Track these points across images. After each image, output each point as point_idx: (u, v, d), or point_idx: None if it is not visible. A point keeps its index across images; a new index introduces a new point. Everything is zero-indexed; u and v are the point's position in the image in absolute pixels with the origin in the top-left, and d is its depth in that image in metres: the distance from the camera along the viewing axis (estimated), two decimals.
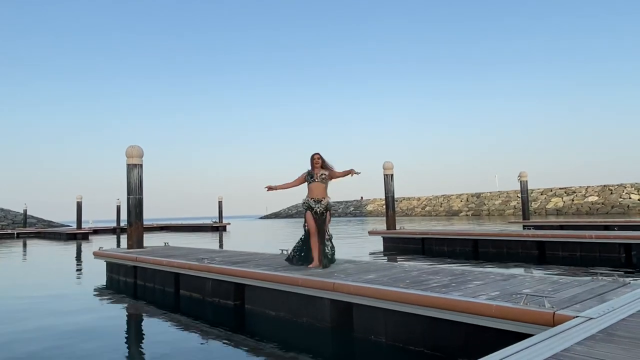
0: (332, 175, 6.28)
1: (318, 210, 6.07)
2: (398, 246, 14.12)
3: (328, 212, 6.17)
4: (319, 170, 6.21)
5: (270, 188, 6.40)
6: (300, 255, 6.16)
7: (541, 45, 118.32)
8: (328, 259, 6.04)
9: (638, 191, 44.57)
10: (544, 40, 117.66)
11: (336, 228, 30.25)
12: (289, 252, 6.42)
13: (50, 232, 31.72)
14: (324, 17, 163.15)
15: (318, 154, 6.25)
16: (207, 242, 21.08)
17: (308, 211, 6.09)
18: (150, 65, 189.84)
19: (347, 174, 6.25)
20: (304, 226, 6.22)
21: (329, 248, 6.10)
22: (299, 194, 6.41)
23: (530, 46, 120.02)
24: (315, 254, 5.97)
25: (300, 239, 6.28)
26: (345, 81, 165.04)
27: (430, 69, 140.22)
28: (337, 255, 6.49)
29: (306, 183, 6.25)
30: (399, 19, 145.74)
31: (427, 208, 63.73)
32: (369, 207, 71.83)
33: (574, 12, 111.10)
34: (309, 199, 6.13)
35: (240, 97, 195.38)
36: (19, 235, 31.55)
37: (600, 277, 4.47)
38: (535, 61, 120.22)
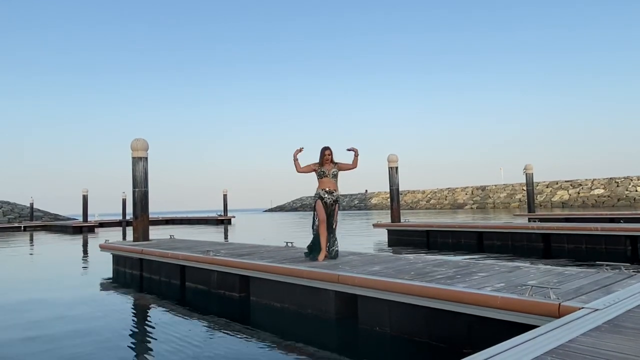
0: (341, 167, 6.28)
1: (328, 201, 6.11)
2: (403, 239, 14.12)
3: (337, 204, 6.20)
4: (331, 167, 6.20)
5: (298, 152, 6.22)
6: (312, 248, 6.18)
7: (547, 38, 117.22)
8: (335, 251, 6.10)
9: None
10: (551, 33, 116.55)
11: (341, 221, 30.22)
12: (306, 248, 6.41)
13: (56, 225, 31.93)
14: (332, 8, 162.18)
15: (329, 149, 6.21)
16: (212, 235, 21.15)
17: (318, 200, 6.11)
18: (156, 58, 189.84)
19: (354, 163, 6.24)
20: (314, 217, 6.22)
21: (331, 242, 6.13)
22: (305, 188, 6.38)
23: (537, 39, 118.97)
24: (323, 242, 5.99)
25: (314, 235, 6.27)
26: (351, 74, 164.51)
27: (436, 62, 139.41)
28: (342, 248, 6.51)
29: (316, 175, 6.24)
30: (406, 12, 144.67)
31: (432, 201, 63.61)
32: (374, 200, 71.79)
33: (584, 2, 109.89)
34: (321, 190, 6.15)
35: (246, 90, 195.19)
36: (25, 229, 31.79)
37: (606, 269, 4.45)
38: (540, 54, 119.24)
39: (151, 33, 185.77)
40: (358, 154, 6.22)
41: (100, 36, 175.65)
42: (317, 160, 6.23)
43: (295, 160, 6.23)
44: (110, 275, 8.84)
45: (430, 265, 5.21)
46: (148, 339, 4.56)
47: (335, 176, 6.23)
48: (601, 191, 46.57)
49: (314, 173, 6.26)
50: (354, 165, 6.28)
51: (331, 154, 6.20)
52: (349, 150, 6.25)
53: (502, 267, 4.93)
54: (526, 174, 19.89)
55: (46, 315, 5.60)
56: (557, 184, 51.66)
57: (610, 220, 15.89)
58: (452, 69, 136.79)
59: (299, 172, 6.25)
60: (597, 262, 7.97)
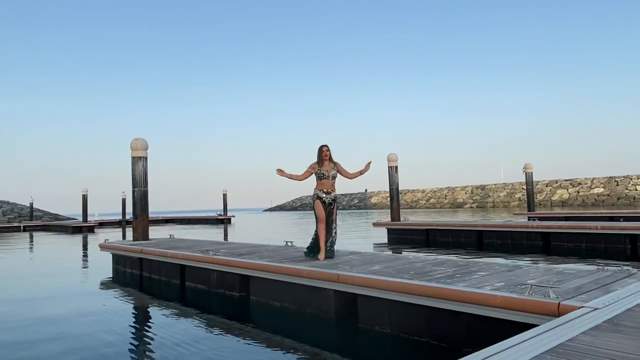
0: (340, 171, 6.29)
1: (326, 200, 6.12)
2: (402, 238, 14.13)
3: (335, 203, 6.22)
4: (330, 168, 6.21)
5: (280, 172, 6.23)
6: (312, 247, 6.20)
7: (547, 37, 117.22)
8: (331, 250, 6.10)
9: None
10: (551, 32, 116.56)
11: (341, 220, 30.24)
12: (306, 248, 6.42)
13: (56, 225, 31.91)
14: (332, 8, 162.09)
15: (326, 146, 6.23)
16: (212, 234, 21.15)
17: (317, 200, 6.12)
18: (156, 58, 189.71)
19: (353, 175, 6.29)
20: (316, 217, 6.23)
21: (329, 242, 6.13)
22: (304, 187, 6.40)
23: (536, 38, 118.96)
24: (322, 242, 5.99)
25: (314, 233, 6.28)
26: (351, 73, 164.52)
27: (435, 60, 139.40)
28: (342, 247, 6.51)
29: (315, 177, 6.25)
30: (407, 12, 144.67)
31: (432, 200, 63.62)
32: (373, 200, 71.80)
33: (584, 2, 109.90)
34: (319, 190, 6.16)
35: (244, 90, 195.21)
36: (25, 229, 31.77)
37: (605, 268, 4.45)
38: (540, 53, 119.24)
39: (151, 33, 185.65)
40: (363, 173, 6.28)
41: (100, 36, 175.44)
42: (315, 159, 6.24)
43: (290, 176, 6.24)
44: (110, 275, 8.84)
45: (430, 265, 5.21)
46: (148, 338, 4.56)
47: (334, 178, 6.25)
48: (601, 190, 46.58)
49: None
50: (352, 176, 6.34)
51: (329, 150, 6.22)
52: (367, 164, 6.29)
53: (501, 266, 4.94)
54: (526, 173, 19.89)
55: (46, 314, 5.60)
56: (556, 182, 51.67)
57: (610, 218, 15.90)
58: (452, 69, 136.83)
59: (301, 180, 6.28)
60: (597, 261, 7.98)
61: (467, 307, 3.58)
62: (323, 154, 6.18)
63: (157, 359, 3.88)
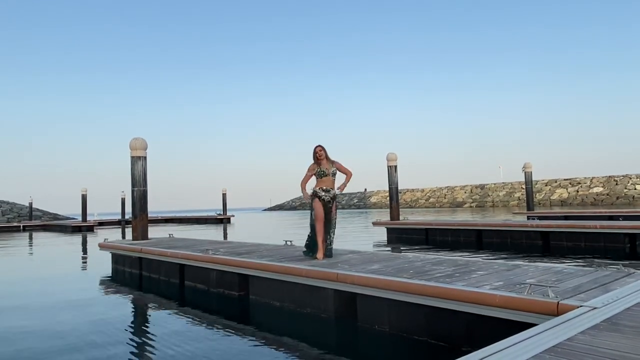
0: (340, 168, 6.29)
1: (325, 198, 6.10)
2: (402, 237, 14.12)
3: (334, 202, 6.21)
4: (329, 166, 6.21)
5: (306, 196, 6.31)
6: (310, 246, 6.19)
7: (547, 36, 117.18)
8: (329, 249, 6.10)
9: None
10: (550, 31, 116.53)
11: (340, 220, 30.22)
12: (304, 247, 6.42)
13: (55, 225, 31.91)
14: (331, 8, 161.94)
15: (320, 146, 6.22)
16: (211, 234, 21.15)
17: (316, 198, 6.10)
18: (155, 58, 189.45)
19: (347, 179, 6.34)
20: (311, 215, 6.22)
21: (329, 240, 6.13)
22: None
23: (536, 37, 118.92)
24: (320, 241, 5.99)
25: (309, 235, 6.28)
26: (350, 72, 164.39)
27: (434, 60, 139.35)
28: (341, 246, 6.50)
29: (315, 176, 6.25)
30: (404, 11, 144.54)
31: (431, 199, 63.63)
32: (373, 199, 71.80)
33: (584, 1, 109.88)
34: (318, 189, 6.15)
35: (243, 89, 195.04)
36: (25, 228, 31.76)
37: (604, 267, 4.46)
38: (540, 52, 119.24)
39: (152, 33, 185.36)
40: (345, 182, 6.33)
41: (100, 36, 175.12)
42: (313, 161, 6.25)
43: (304, 190, 6.29)
44: (110, 274, 8.84)
45: (429, 264, 5.21)
46: (147, 337, 4.56)
47: (334, 175, 6.24)
48: (600, 189, 46.60)
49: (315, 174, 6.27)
50: (348, 175, 6.35)
51: (322, 149, 6.21)
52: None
53: (500, 266, 4.94)
54: (525, 172, 19.88)
55: (45, 314, 5.60)
56: (556, 182, 51.68)
57: (609, 218, 15.91)
58: (453, 69, 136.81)
59: (306, 183, 6.30)
60: (596, 260, 7.99)
61: (466, 307, 3.58)
62: (317, 154, 6.19)
63: (156, 358, 3.88)
